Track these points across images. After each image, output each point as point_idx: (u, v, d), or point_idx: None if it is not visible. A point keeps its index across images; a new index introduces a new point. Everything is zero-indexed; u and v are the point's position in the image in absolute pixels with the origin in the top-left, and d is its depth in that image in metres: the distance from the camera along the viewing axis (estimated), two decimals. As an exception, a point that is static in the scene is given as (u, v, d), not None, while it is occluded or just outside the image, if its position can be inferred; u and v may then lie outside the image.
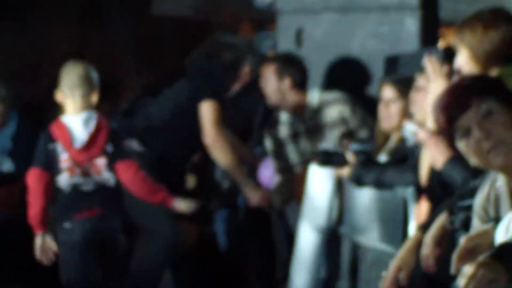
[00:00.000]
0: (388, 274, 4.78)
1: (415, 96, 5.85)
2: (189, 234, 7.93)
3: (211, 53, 7.48)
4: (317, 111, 7.55)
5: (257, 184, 7.42)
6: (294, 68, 7.64)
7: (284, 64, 7.64)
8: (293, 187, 7.56)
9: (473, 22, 4.78)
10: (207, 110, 7.08)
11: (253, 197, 7.31)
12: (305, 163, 7.38)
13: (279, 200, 7.66)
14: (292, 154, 7.69)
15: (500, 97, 3.56)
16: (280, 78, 7.55)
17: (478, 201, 3.92)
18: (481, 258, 3.04)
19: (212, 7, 11.17)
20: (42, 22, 11.14)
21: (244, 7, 10.47)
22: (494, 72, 4.65)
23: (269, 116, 8.23)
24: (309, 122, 7.59)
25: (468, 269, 3.04)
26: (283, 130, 7.69)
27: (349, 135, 7.17)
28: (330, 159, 6.61)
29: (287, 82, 7.56)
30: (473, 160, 3.67)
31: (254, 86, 8.30)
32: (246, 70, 8.28)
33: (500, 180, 3.79)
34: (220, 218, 8.32)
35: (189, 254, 7.84)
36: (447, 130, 3.68)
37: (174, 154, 7.36)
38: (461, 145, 3.60)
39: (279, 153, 7.70)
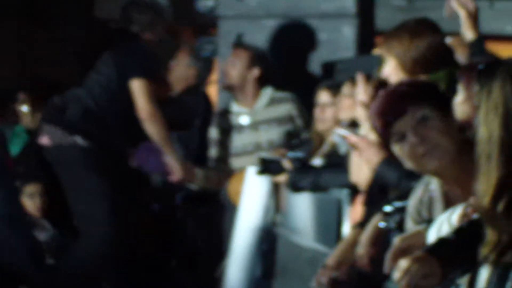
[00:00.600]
0: (325, 270, 4.84)
1: (343, 102, 5.91)
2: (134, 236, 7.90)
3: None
4: (268, 106, 7.57)
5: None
6: (265, 63, 7.69)
7: (258, 55, 7.70)
8: (221, 177, 7.60)
9: (399, 32, 4.86)
10: (138, 87, 7.07)
11: (178, 171, 7.26)
12: (246, 154, 7.44)
13: (202, 184, 7.66)
14: (236, 144, 7.69)
15: (435, 103, 3.63)
16: (249, 66, 7.59)
17: (412, 203, 3.97)
18: (416, 253, 3.07)
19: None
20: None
21: (185, 13, 10.51)
22: (421, 79, 4.71)
23: (210, 117, 8.27)
24: (257, 116, 7.60)
25: (403, 264, 3.06)
26: (231, 120, 7.68)
27: (293, 135, 7.15)
28: (268, 167, 6.69)
29: (255, 72, 7.61)
30: (408, 164, 3.74)
31: (198, 89, 8.35)
32: (192, 73, 8.35)
33: (434, 184, 3.86)
34: (154, 211, 8.25)
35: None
36: (383, 135, 3.76)
37: (116, 141, 7.33)
38: (396, 149, 3.67)
39: (222, 143, 7.70)
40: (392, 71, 4.82)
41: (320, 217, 6.11)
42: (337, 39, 7.88)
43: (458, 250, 3.04)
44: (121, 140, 7.35)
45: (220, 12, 8.13)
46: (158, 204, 8.22)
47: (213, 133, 7.76)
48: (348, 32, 7.88)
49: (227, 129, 7.67)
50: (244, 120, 7.62)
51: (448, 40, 4.73)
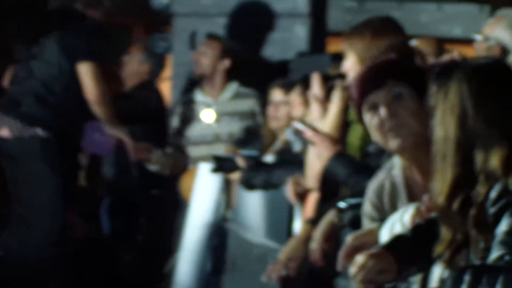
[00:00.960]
0: (275, 266, 4.84)
1: (295, 99, 5.94)
2: (77, 228, 7.85)
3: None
4: (232, 99, 7.58)
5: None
6: (235, 56, 7.69)
7: (229, 47, 7.71)
8: (179, 162, 7.62)
9: (362, 29, 4.86)
10: (85, 71, 6.97)
11: (132, 150, 7.25)
12: (205, 144, 7.45)
13: (159, 165, 7.67)
14: (196, 133, 7.69)
15: (414, 85, 3.65)
16: (221, 57, 7.59)
17: (373, 187, 3.98)
18: (372, 249, 3.09)
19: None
20: None
21: (140, 9, 10.47)
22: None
23: (163, 113, 8.30)
24: (221, 108, 7.60)
25: (359, 259, 3.08)
26: (195, 108, 7.67)
27: (253, 131, 7.20)
28: (221, 165, 6.70)
29: (225, 63, 7.60)
30: (374, 136, 3.77)
31: (152, 85, 8.33)
32: (145, 69, 8.32)
33: (397, 169, 3.89)
34: (105, 205, 8.24)
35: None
36: (357, 104, 3.78)
37: (76, 130, 7.25)
38: (367, 118, 3.69)
39: (182, 131, 7.70)
40: (351, 66, 4.82)
41: (271, 213, 6.14)
42: (290, 39, 7.88)
43: (414, 248, 3.07)
44: (81, 127, 7.27)
45: (175, 10, 8.11)
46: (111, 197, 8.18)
47: (175, 121, 7.76)
48: (300, 31, 7.91)
49: (189, 118, 7.66)
50: (207, 110, 7.59)
51: (413, 43, 4.77)
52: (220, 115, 7.56)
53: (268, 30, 7.92)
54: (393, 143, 3.67)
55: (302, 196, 5.42)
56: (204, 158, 7.17)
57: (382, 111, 3.62)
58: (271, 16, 7.97)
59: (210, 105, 7.59)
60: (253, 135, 7.20)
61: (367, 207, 3.99)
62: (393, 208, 3.80)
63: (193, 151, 7.56)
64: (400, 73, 3.80)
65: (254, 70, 7.89)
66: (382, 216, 3.86)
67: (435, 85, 2.99)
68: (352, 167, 4.69)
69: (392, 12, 10.05)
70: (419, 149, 3.63)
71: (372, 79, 3.77)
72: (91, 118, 7.20)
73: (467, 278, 2.63)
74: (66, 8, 7.25)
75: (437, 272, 3.00)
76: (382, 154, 4.51)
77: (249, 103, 7.19)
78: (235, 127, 7.41)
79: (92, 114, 7.12)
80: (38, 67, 7.10)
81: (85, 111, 7.11)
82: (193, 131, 7.63)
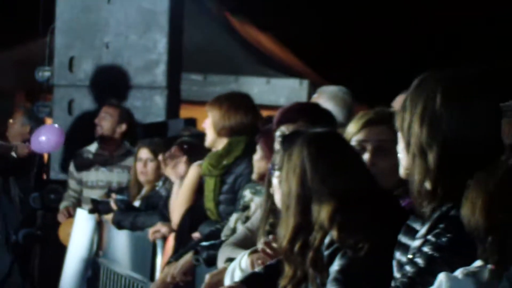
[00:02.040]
0: None
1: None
2: None
3: None
4: (124, 156, 7.47)
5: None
6: (130, 120, 7.55)
7: (127, 113, 7.55)
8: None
9: (222, 100, 4.87)
10: None
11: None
12: (98, 188, 7.36)
13: None
14: (92, 179, 7.50)
15: (316, 123, 3.66)
16: (120, 121, 7.41)
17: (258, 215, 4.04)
18: (232, 283, 3.10)
19: None
20: None
21: (23, 81, 10.30)
22: (224, 141, 4.80)
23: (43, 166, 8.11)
24: (115, 161, 7.47)
25: None
26: (89, 160, 7.49)
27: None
28: (97, 207, 6.62)
29: (123, 127, 7.42)
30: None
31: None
32: (27, 130, 8.13)
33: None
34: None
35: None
36: (273, 130, 3.84)
37: None
38: (277, 142, 3.72)
39: (78, 177, 7.50)
40: (208, 126, 4.87)
41: (137, 250, 6.08)
42: (150, 106, 7.86)
43: (264, 281, 3.08)
44: None
45: (55, 82, 7.95)
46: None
47: (72, 168, 7.51)
48: (159, 100, 7.89)
49: (84, 166, 7.44)
50: (103, 162, 7.44)
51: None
52: (113, 167, 7.41)
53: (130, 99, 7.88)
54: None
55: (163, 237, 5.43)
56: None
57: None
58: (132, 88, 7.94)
59: (106, 159, 7.44)
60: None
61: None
62: None
63: (89, 193, 7.30)
64: (308, 114, 3.87)
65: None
66: None
67: (281, 148, 3.06)
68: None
69: (230, 84, 10.17)
70: None
71: (289, 116, 3.83)
72: None
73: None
74: None
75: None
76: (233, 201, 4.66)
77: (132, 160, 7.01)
78: (124, 177, 7.24)
79: None
80: None
81: None
82: (89, 177, 7.42)
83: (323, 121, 3.81)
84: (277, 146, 3.70)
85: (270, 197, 3.41)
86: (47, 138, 6.71)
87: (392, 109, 3.94)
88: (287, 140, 3.07)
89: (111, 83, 7.93)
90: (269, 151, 3.91)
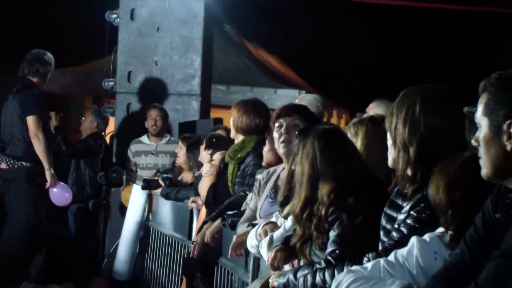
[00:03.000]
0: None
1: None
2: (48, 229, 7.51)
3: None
4: (166, 144, 7.44)
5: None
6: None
7: (167, 113, 7.54)
8: None
9: (238, 106, 4.77)
10: (31, 121, 6.36)
11: (49, 177, 6.41)
12: (148, 169, 7.30)
13: None
14: (143, 162, 7.43)
15: (308, 120, 3.66)
16: (164, 119, 7.46)
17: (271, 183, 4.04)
18: (277, 246, 3.12)
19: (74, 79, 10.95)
20: None
21: (92, 88, 10.31)
22: (240, 137, 4.75)
23: (107, 152, 8.09)
24: (159, 148, 7.40)
25: (269, 254, 3.09)
26: (142, 147, 7.43)
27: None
28: (149, 184, 6.61)
29: (165, 124, 7.47)
30: (276, 143, 3.76)
31: (98, 134, 8.15)
32: (94, 125, 8.13)
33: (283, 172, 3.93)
34: (71, 212, 7.95)
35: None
36: (274, 121, 3.79)
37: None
38: (275, 132, 3.69)
39: (133, 160, 7.45)
40: (231, 124, 4.87)
41: (178, 216, 6.06)
42: (188, 109, 7.84)
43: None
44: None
45: (117, 89, 7.95)
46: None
47: (129, 153, 7.44)
48: (195, 105, 7.87)
49: (138, 152, 7.37)
50: (151, 148, 7.35)
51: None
52: (159, 152, 7.33)
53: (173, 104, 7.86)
54: (281, 150, 3.67)
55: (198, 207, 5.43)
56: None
57: (284, 129, 3.63)
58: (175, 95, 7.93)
59: (153, 147, 7.36)
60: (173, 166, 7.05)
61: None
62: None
63: (142, 173, 7.25)
64: (302, 111, 3.79)
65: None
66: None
67: (298, 139, 3.04)
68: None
69: (246, 93, 10.14)
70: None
71: (285, 110, 3.75)
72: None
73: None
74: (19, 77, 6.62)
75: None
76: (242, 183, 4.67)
77: (175, 147, 6.93)
78: (167, 160, 7.17)
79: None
80: (8, 118, 6.56)
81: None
82: (141, 160, 7.35)
83: (309, 116, 3.77)
84: (275, 134, 3.71)
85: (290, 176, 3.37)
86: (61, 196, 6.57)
87: (366, 114, 3.93)
88: (302, 134, 3.07)
89: (158, 91, 7.89)
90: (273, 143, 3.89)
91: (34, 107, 6.35)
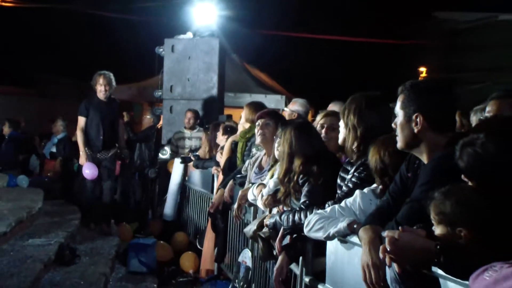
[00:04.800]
0: (212, 205, 4.65)
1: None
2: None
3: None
4: (197, 132, 7.12)
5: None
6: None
7: (197, 113, 7.22)
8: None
9: (250, 105, 4.67)
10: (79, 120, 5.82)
11: (82, 157, 5.78)
12: (186, 149, 7.01)
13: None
14: (182, 144, 7.15)
15: (277, 120, 3.53)
16: (195, 117, 7.17)
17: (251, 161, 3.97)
18: (268, 195, 3.04)
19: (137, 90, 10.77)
20: None
21: (147, 96, 10.22)
22: (247, 125, 4.62)
23: (159, 138, 7.92)
24: (193, 135, 7.14)
25: (263, 199, 3.05)
26: (181, 134, 7.18)
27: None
28: (185, 159, 6.58)
29: (197, 120, 7.16)
30: (256, 135, 3.65)
31: (154, 127, 8.08)
32: (151, 121, 8.08)
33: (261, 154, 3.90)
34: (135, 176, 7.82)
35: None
36: (256, 120, 3.69)
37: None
38: (256, 128, 3.61)
39: (175, 143, 7.20)
40: (242, 117, 4.80)
41: (204, 178, 5.99)
42: (211, 109, 7.71)
43: None
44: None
45: (163, 97, 7.88)
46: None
47: (172, 139, 7.26)
48: (214, 106, 7.80)
49: (178, 138, 7.20)
50: (187, 136, 7.17)
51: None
52: (192, 138, 7.18)
53: (199, 106, 7.67)
54: (258, 140, 3.63)
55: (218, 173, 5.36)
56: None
57: (263, 126, 3.58)
58: (201, 100, 7.76)
59: (188, 134, 7.19)
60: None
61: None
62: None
63: (181, 152, 7.09)
64: (273, 114, 3.70)
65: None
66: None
67: (281, 130, 2.99)
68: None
69: (246, 98, 9.85)
70: (268, 145, 3.58)
71: (262, 113, 3.69)
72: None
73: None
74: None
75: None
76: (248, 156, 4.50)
77: (201, 134, 6.78)
78: (198, 143, 7.00)
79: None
80: None
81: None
82: (181, 144, 7.18)
83: (276, 117, 3.66)
84: (256, 129, 3.64)
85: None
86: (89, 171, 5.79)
87: (331, 110, 3.90)
88: (283, 124, 3.05)
89: (190, 98, 7.77)
90: (264, 130, 3.76)
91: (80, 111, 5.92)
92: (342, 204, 2.21)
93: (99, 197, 5.94)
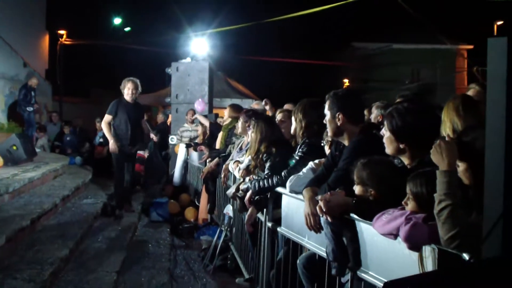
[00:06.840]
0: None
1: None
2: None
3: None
4: (196, 126, 6.63)
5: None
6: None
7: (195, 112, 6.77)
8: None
9: (231, 106, 4.53)
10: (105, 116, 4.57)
11: (111, 145, 4.63)
12: (187, 138, 6.67)
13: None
14: (186, 134, 6.77)
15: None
16: (194, 114, 6.66)
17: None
18: (244, 169, 2.89)
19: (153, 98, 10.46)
20: None
21: (160, 101, 9.91)
22: (229, 120, 4.43)
23: (168, 129, 7.64)
24: (192, 127, 6.73)
25: (240, 172, 2.88)
26: (184, 127, 6.82)
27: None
28: (188, 145, 6.37)
29: (194, 116, 6.63)
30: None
31: (165, 123, 7.85)
32: (163, 118, 7.86)
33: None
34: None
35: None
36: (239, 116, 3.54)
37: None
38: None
39: (180, 133, 6.80)
40: (225, 115, 4.63)
41: (200, 158, 5.55)
42: (204, 110, 7.42)
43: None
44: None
45: (171, 102, 7.67)
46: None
47: (178, 131, 6.98)
48: (206, 108, 7.57)
49: (182, 130, 6.95)
50: (188, 128, 6.93)
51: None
52: (192, 130, 6.91)
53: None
54: (239, 130, 3.52)
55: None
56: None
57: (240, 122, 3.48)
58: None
59: (189, 128, 6.91)
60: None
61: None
62: None
63: (184, 140, 6.83)
64: (256, 114, 3.36)
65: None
66: None
67: (254, 121, 2.85)
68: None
69: (228, 101, 9.49)
70: (245, 133, 3.39)
71: (248, 112, 3.55)
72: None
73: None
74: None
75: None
76: (228, 143, 4.24)
77: (198, 127, 6.51)
78: (195, 133, 6.79)
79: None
80: None
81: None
82: (185, 133, 6.95)
83: (251, 113, 3.46)
84: (242, 123, 3.49)
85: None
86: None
87: (286, 108, 3.61)
88: (255, 117, 2.93)
89: (190, 102, 7.51)
90: (244, 124, 3.63)
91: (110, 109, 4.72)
92: (300, 173, 2.17)
93: (123, 181, 4.73)
